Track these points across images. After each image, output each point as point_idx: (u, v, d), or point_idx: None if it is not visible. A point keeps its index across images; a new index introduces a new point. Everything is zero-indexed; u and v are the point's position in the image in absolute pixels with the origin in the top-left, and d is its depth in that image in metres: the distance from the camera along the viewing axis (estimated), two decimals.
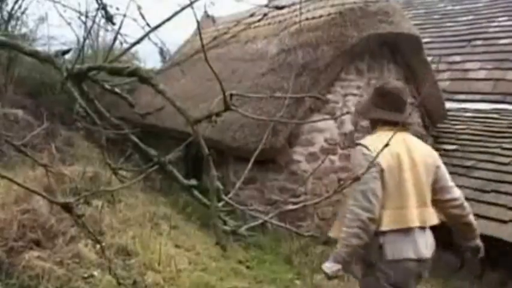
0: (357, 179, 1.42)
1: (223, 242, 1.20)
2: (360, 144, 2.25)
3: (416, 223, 2.16)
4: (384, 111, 2.33)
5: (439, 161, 2.36)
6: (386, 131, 2.24)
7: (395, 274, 2.11)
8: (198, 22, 1.19)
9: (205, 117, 1.20)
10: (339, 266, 2.10)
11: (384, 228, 2.11)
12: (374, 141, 2.18)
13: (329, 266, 2.11)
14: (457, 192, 2.35)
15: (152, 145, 1.40)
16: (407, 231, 2.14)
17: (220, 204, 1.31)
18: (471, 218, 2.41)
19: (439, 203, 2.32)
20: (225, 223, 1.34)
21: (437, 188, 2.29)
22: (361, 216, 2.07)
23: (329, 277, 2.13)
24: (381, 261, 2.11)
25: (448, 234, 4.47)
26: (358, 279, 2.37)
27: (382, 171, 2.12)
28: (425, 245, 2.20)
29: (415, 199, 2.18)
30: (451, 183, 2.34)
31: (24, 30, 7.89)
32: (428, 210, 2.25)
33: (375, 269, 2.15)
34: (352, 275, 2.57)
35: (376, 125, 2.39)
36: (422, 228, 2.22)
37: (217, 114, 1.21)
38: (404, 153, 2.21)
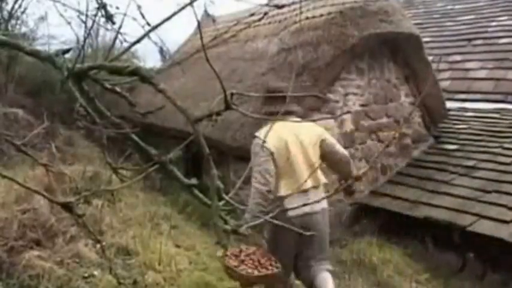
0: (358, 178, 1.41)
1: (224, 241, 1.19)
2: (255, 136, 2.90)
3: (309, 185, 2.82)
4: (270, 106, 3.06)
5: (325, 135, 3.04)
6: (274, 121, 2.84)
7: (297, 227, 2.48)
8: (198, 21, 1.19)
9: (205, 116, 1.19)
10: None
11: (282, 193, 2.77)
12: (265, 131, 2.86)
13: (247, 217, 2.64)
14: (344, 152, 3.12)
15: (152, 144, 1.39)
16: (302, 192, 2.80)
17: (221, 203, 1.30)
18: (353, 168, 3.19)
19: (332, 163, 3.11)
20: (225, 222, 1.33)
21: (327, 153, 3.01)
22: (261, 189, 2.72)
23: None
24: (285, 218, 2.59)
25: (449, 234, 4.44)
26: (265, 239, 3.11)
27: (272, 154, 2.78)
28: (317, 203, 2.68)
29: (306, 167, 2.84)
30: (337, 147, 3.07)
31: (24, 29, 7.88)
32: (318, 174, 2.92)
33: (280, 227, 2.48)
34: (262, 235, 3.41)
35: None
36: (315, 187, 2.90)
37: (218, 113, 1.20)
38: (291, 136, 2.86)
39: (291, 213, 2.68)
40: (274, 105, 3.05)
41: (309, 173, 2.78)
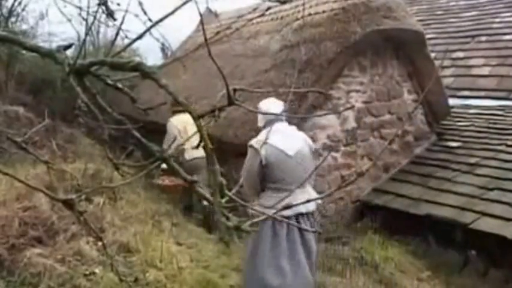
0: (361, 174, 1.39)
1: (227, 238, 1.17)
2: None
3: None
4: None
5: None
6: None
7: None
8: (201, 15, 1.17)
9: (208, 112, 1.17)
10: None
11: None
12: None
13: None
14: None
15: (153, 141, 1.37)
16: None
17: (223, 200, 1.28)
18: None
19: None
20: (227, 219, 1.32)
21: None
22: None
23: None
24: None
25: (451, 232, 4.42)
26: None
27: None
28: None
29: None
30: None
31: (24, 26, 7.85)
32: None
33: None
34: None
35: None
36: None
37: (221, 109, 1.18)
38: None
39: None
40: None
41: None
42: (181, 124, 4.61)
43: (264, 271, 2.80)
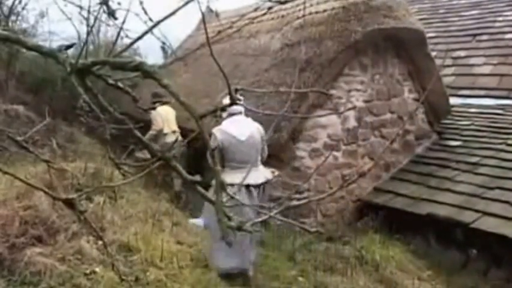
0: (363, 174, 1.39)
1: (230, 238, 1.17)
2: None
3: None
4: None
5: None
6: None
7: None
8: (203, 13, 1.16)
9: (210, 112, 1.16)
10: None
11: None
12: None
13: None
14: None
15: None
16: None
17: (225, 199, 1.28)
18: None
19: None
20: (229, 219, 1.31)
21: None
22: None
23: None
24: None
25: (452, 231, 4.40)
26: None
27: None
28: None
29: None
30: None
31: (24, 25, 7.84)
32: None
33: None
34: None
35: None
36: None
37: (223, 109, 1.17)
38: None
39: None
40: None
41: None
42: (165, 113, 5.71)
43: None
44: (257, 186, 3.50)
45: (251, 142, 3.50)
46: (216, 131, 3.53)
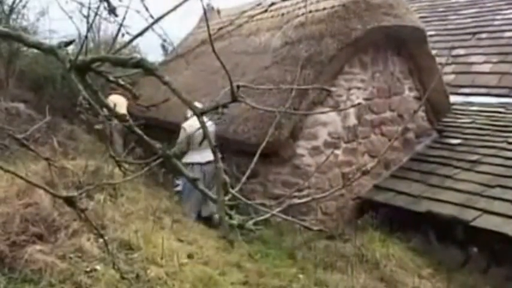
0: (365, 172, 1.39)
1: (231, 236, 1.17)
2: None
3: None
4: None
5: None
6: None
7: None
8: (204, 9, 1.16)
9: (212, 108, 1.16)
10: None
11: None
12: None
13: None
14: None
15: (153, 138, 1.37)
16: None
17: (226, 197, 1.28)
18: None
19: None
20: (230, 217, 1.31)
21: None
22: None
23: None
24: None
25: (453, 229, 4.40)
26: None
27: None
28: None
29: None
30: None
31: (25, 23, 7.83)
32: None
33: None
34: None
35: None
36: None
37: (224, 106, 1.17)
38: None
39: None
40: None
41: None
42: (115, 101, 6.09)
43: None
44: (205, 164, 4.80)
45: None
46: (185, 125, 4.89)
